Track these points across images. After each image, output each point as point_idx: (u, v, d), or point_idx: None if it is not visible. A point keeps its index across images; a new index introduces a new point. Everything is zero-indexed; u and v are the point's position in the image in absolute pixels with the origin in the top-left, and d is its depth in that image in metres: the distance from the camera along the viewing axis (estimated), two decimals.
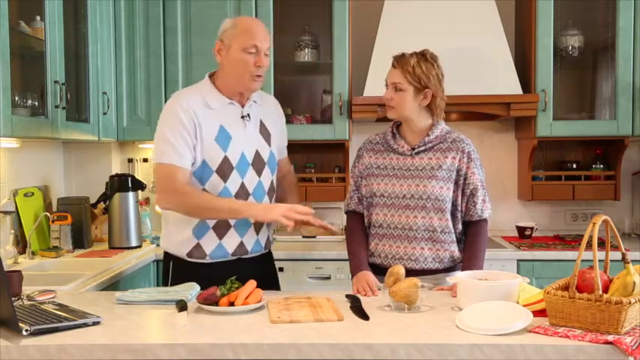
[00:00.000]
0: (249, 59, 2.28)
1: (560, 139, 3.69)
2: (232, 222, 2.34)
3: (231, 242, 2.36)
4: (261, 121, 2.45)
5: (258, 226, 2.40)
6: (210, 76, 2.41)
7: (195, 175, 2.31)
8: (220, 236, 2.35)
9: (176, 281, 2.32)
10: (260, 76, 2.32)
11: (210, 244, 2.35)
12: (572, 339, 1.65)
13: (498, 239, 3.70)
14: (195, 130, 2.28)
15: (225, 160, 2.31)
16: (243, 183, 2.35)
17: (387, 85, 2.38)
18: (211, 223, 2.33)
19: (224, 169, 2.30)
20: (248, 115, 2.39)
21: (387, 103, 2.37)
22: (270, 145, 2.45)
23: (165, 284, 2.43)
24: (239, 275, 2.09)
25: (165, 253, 2.48)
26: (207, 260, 2.37)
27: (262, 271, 2.46)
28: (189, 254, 2.37)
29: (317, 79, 3.96)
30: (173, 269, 2.42)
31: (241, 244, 2.38)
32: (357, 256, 2.41)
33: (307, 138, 3.65)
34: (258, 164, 2.39)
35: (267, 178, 2.43)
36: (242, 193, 2.34)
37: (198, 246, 2.35)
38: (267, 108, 2.51)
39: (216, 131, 2.31)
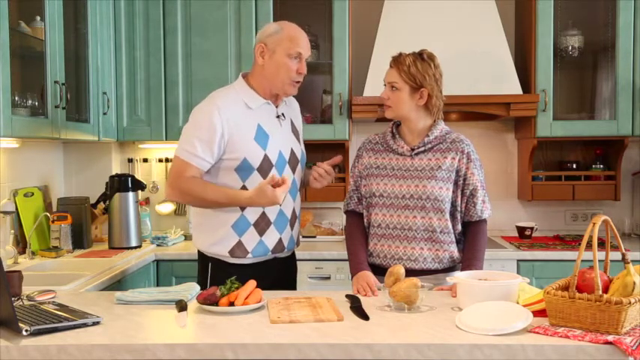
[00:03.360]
0: (292, 65, 2.37)
1: (560, 139, 3.69)
2: (272, 219, 2.39)
3: (271, 239, 2.41)
4: (291, 121, 2.54)
5: (292, 222, 2.48)
6: (244, 77, 2.46)
7: (237, 173, 2.35)
8: (261, 233, 2.39)
9: (218, 282, 2.25)
10: (299, 82, 2.41)
11: (251, 241, 2.39)
12: (572, 339, 1.65)
13: (498, 239, 3.70)
14: (228, 136, 2.31)
15: (266, 158, 2.36)
16: None
17: (385, 85, 2.39)
18: (252, 220, 2.38)
19: (264, 167, 2.36)
20: (282, 114, 2.47)
21: (384, 102, 2.39)
22: (300, 143, 2.55)
23: (203, 286, 2.42)
24: (273, 275, 2.21)
25: (202, 255, 2.50)
26: (249, 259, 2.40)
27: (290, 270, 2.60)
28: (231, 252, 2.39)
29: (317, 79, 3.96)
30: (212, 271, 2.44)
31: (280, 241, 2.44)
32: (356, 256, 2.41)
33: (307, 138, 3.61)
34: (293, 162, 2.47)
35: (299, 175, 2.52)
36: None
37: (239, 244, 2.39)
38: (293, 109, 2.61)
39: (255, 131, 2.36)
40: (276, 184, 2.20)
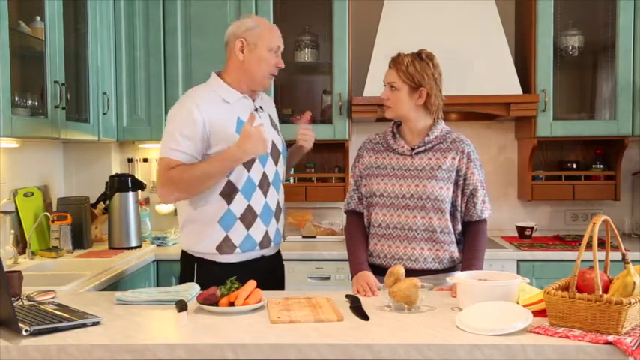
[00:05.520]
0: (272, 59, 2.41)
1: (560, 139, 3.69)
2: (258, 211, 2.40)
3: (257, 233, 2.42)
4: (269, 115, 2.55)
5: (277, 215, 2.49)
6: (218, 74, 2.48)
7: None
8: (248, 227, 2.40)
9: (203, 283, 2.27)
10: (275, 75, 2.46)
11: (238, 235, 2.39)
12: (572, 339, 1.65)
13: (498, 239, 3.70)
14: (209, 129, 2.32)
15: None
16: (264, 173, 2.42)
17: (385, 85, 2.40)
18: (238, 214, 2.38)
19: (248, 160, 2.34)
20: (260, 107, 2.49)
21: (384, 102, 2.40)
22: (280, 136, 2.56)
23: None
24: (261, 275, 2.19)
25: (188, 256, 2.48)
26: (237, 254, 2.40)
27: (277, 269, 2.61)
28: (218, 248, 2.38)
29: (317, 79, 3.96)
30: (198, 272, 2.42)
31: (266, 234, 2.44)
32: (356, 256, 2.41)
33: None
34: (275, 154, 2.47)
35: (282, 167, 2.53)
36: (264, 183, 2.42)
37: (227, 239, 2.38)
38: (269, 104, 2.63)
39: (235, 124, 2.37)
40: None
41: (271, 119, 2.55)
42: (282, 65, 2.45)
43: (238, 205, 2.38)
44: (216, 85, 2.43)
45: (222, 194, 2.36)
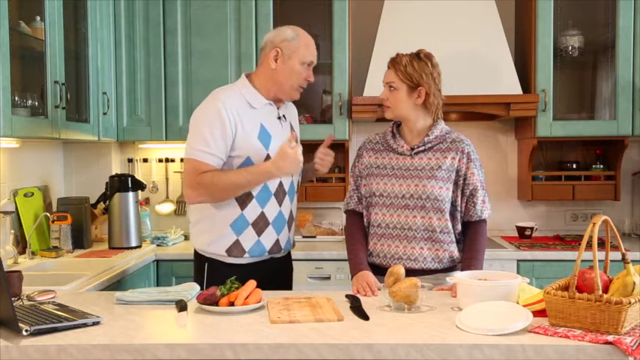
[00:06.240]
0: (303, 72, 2.41)
1: (560, 139, 3.69)
2: (271, 219, 2.41)
3: (268, 240, 2.43)
4: (290, 124, 2.56)
5: (290, 223, 2.50)
6: (247, 77, 2.47)
7: None
8: (259, 233, 2.41)
9: (214, 283, 2.27)
10: (304, 88, 2.46)
11: (249, 241, 2.40)
12: (572, 339, 1.65)
13: (498, 239, 3.70)
14: (235, 130, 2.32)
15: (268, 157, 2.37)
16: (281, 182, 2.43)
17: (384, 86, 2.40)
18: (251, 219, 2.39)
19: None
20: (284, 115, 2.49)
21: (383, 102, 2.40)
22: (299, 145, 2.52)
23: (199, 287, 2.42)
24: (270, 275, 2.23)
25: (199, 255, 2.49)
26: (246, 258, 2.41)
27: (285, 270, 2.62)
28: (228, 251, 2.40)
29: (317, 79, 3.93)
30: (209, 272, 2.43)
31: (277, 242, 2.45)
32: (356, 256, 2.41)
33: (307, 138, 3.63)
34: None
35: (297, 178, 2.53)
36: (280, 192, 2.43)
37: (237, 243, 2.39)
38: (292, 113, 2.62)
39: (258, 130, 2.37)
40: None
41: (291, 127, 2.56)
42: (312, 79, 2.46)
43: (252, 211, 2.38)
44: (244, 87, 2.43)
45: (237, 199, 2.37)
